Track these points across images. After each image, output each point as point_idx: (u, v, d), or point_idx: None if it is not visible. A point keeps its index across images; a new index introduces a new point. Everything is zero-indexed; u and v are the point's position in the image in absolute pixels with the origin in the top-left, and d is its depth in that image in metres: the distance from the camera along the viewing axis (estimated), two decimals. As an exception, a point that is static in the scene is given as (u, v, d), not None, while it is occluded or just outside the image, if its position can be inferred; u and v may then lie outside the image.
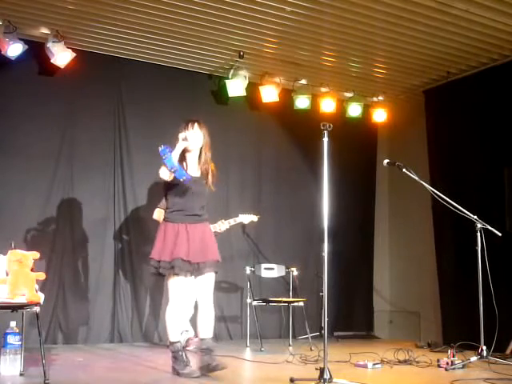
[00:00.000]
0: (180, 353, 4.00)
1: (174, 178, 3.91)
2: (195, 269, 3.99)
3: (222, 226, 5.76)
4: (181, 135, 4.01)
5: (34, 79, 6.06)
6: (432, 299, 6.94)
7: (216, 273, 4.12)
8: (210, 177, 4.13)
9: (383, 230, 8.14)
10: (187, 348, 5.53)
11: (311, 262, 7.05)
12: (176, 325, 4.05)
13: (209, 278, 4.09)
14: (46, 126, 6.08)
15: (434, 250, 6.97)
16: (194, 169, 4.13)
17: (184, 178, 3.91)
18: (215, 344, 4.10)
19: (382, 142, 8.18)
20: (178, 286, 3.99)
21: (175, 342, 4.02)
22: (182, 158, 4.07)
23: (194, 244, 3.98)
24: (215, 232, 5.79)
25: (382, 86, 7.36)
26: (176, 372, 3.99)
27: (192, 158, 4.14)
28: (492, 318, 4.86)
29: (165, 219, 4.09)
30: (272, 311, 6.79)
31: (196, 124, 4.10)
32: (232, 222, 5.84)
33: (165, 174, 3.91)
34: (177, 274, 3.93)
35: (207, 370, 3.93)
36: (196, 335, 5.58)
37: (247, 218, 5.97)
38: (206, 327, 4.06)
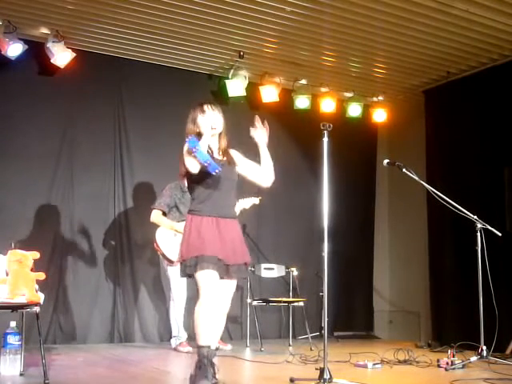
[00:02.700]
0: (205, 360, 3.29)
1: (207, 171, 3.40)
2: (224, 270, 3.43)
3: None
4: (206, 121, 3.52)
5: (34, 79, 6.05)
6: (432, 299, 6.93)
7: (244, 278, 3.68)
8: (238, 160, 3.68)
9: (383, 229, 8.14)
10: (177, 350, 5.52)
11: (311, 262, 7.04)
12: (208, 326, 3.34)
13: (232, 285, 3.55)
14: (46, 126, 6.08)
15: (432, 249, 6.98)
16: (216, 154, 3.63)
17: (217, 170, 3.40)
18: (216, 353, 3.51)
19: (381, 142, 8.19)
20: (209, 280, 3.33)
21: (203, 347, 3.32)
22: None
23: (225, 243, 3.44)
24: None
25: (381, 86, 7.36)
26: (191, 380, 3.34)
27: (213, 143, 3.62)
28: (492, 318, 4.86)
29: (190, 212, 3.52)
30: (272, 311, 6.79)
31: (212, 106, 3.63)
32: None
33: (194, 167, 3.39)
34: (204, 268, 3.33)
35: None
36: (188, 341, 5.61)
37: (248, 202, 5.75)
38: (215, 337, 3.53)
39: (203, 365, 3.29)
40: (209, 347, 3.34)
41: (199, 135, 3.52)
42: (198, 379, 3.26)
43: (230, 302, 3.58)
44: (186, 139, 3.44)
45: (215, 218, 3.47)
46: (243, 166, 3.71)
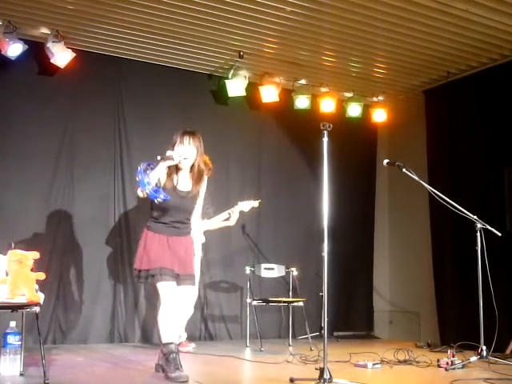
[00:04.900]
0: (173, 355, 3.83)
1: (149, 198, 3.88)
2: (177, 278, 3.99)
3: (232, 217, 5.73)
4: (176, 149, 3.93)
5: (34, 79, 6.05)
6: (432, 299, 6.93)
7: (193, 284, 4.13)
8: (200, 188, 4.10)
9: (383, 229, 8.14)
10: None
11: (311, 262, 7.05)
12: (169, 326, 3.93)
13: (188, 290, 4.10)
14: (46, 126, 6.07)
15: (435, 249, 6.97)
16: (185, 183, 4.05)
17: (158, 199, 3.82)
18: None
19: (382, 142, 8.19)
20: (167, 289, 3.91)
21: (168, 344, 3.88)
22: (175, 171, 4.00)
23: (176, 256, 3.97)
24: (228, 226, 5.80)
25: (382, 85, 7.36)
26: (165, 375, 3.83)
27: (184, 171, 4.05)
28: (492, 318, 4.86)
29: (147, 227, 4.06)
30: (272, 311, 6.79)
31: (190, 138, 3.98)
32: (231, 212, 5.76)
33: (140, 193, 3.90)
34: (163, 280, 3.89)
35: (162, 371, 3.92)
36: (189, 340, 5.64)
37: (247, 205, 5.85)
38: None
39: (172, 358, 3.81)
40: (173, 343, 3.88)
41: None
42: (172, 371, 3.76)
43: (191, 307, 4.30)
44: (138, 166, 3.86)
45: (166, 236, 3.99)
46: (199, 198, 4.17)
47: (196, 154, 4.02)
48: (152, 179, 3.81)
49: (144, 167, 3.85)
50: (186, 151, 3.97)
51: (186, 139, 3.98)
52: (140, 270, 4.00)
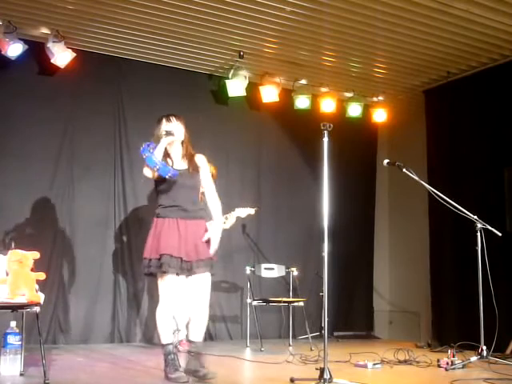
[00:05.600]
0: (171, 356, 3.82)
1: (159, 175, 3.86)
2: (187, 268, 3.83)
3: (227, 221, 5.75)
4: (164, 128, 3.94)
5: (34, 79, 6.05)
6: (432, 299, 6.93)
7: (212, 274, 3.95)
8: (202, 167, 4.07)
9: (383, 229, 8.14)
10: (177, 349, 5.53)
11: (311, 262, 7.05)
12: (167, 326, 3.89)
13: (203, 279, 3.91)
14: (46, 126, 6.07)
15: (433, 249, 6.97)
16: (179, 162, 4.04)
17: (169, 174, 3.85)
18: (204, 347, 3.97)
19: (382, 142, 8.18)
20: (167, 285, 3.82)
21: (167, 345, 3.86)
22: (166, 153, 3.99)
23: (185, 241, 3.85)
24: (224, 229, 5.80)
25: (382, 85, 7.36)
26: (166, 375, 3.82)
27: (176, 152, 4.04)
28: (492, 318, 4.86)
29: (156, 215, 3.97)
30: (272, 311, 6.79)
31: (174, 117, 4.04)
32: (229, 216, 5.80)
33: (148, 173, 3.90)
34: (165, 272, 3.78)
35: (193, 375, 3.78)
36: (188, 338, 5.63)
37: (244, 212, 5.92)
38: (197, 330, 3.92)
39: (171, 360, 3.81)
40: (172, 344, 3.87)
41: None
42: (172, 372, 3.75)
43: (207, 296, 3.93)
44: (141, 146, 3.92)
45: (176, 220, 3.90)
46: (203, 173, 4.09)
47: (184, 131, 4.06)
48: (157, 155, 3.84)
49: (146, 147, 3.88)
50: (175, 127, 3.99)
51: (172, 118, 4.03)
52: (150, 259, 3.84)
